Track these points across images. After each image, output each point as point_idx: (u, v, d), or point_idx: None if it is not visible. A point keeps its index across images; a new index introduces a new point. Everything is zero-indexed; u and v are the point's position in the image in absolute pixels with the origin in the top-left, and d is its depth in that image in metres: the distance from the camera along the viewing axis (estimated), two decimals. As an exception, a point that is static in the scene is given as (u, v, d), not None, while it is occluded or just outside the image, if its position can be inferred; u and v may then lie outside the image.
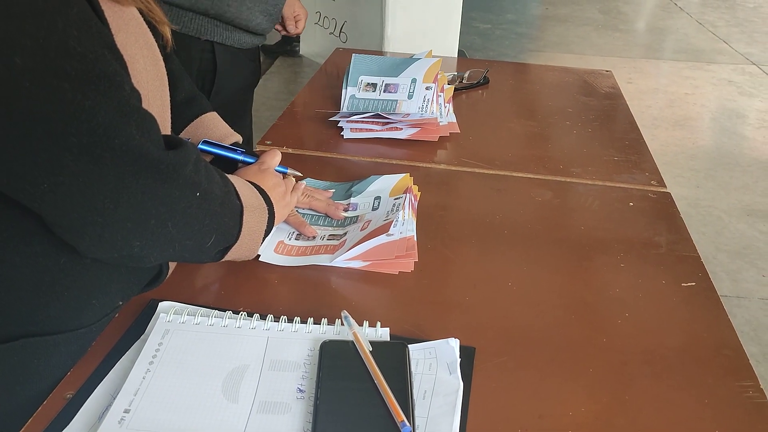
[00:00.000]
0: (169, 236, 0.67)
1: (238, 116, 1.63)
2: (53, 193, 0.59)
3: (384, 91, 1.37)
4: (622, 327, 0.83)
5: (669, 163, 3.50)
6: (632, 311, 0.86)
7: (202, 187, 0.69)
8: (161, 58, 0.74)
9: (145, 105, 0.68)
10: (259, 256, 0.90)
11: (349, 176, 1.15)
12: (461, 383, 0.70)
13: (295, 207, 1.00)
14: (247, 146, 1.02)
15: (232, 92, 1.57)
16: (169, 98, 0.77)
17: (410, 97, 1.35)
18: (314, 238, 0.97)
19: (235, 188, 0.78)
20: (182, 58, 1.41)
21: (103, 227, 0.62)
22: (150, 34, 0.73)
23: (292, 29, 1.77)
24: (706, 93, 4.49)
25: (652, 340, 0.81)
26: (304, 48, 2.41)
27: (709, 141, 3.82)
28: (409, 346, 0.73)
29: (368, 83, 1.38)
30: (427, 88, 1.35)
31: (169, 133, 0.78)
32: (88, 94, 0.57)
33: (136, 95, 0.64)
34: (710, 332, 0.83)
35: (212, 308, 0.80)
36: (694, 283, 0.92)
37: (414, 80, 1.36)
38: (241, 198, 0.78)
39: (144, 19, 0.74)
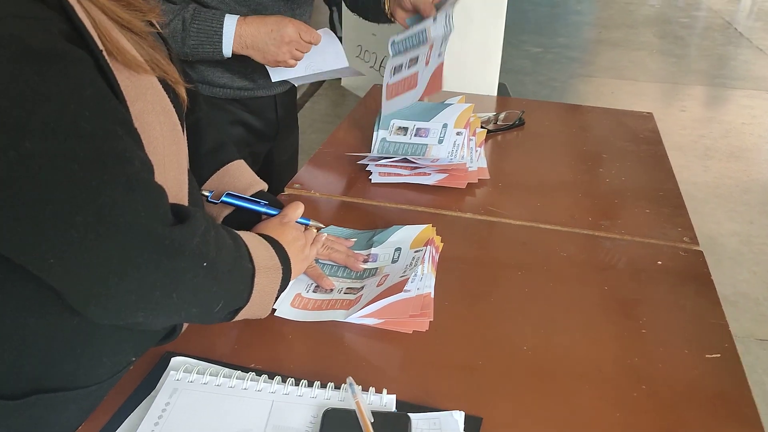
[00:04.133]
0: (174, 306, 0.68)
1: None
2: (59, 266, 0.61)
3: (415, 135, 1.37)
4: (638, 401, 0.80)
5: (721, 196, 3.39)
6: (649, 383, 0.83)
7: (209, 257, 0.70)
8: (178, 123, 0.76)
9: (160, 172, 0.70)
10: (275, 310, 0.91)
11: (374, 222, 1.16)
12: (463, 458, 0.69)
13: (315, 258, 1.00)
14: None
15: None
16: (186, 161, 0.79)
17: (440, 141, 1.35)
18: (332, 290, 0.98)
19: (248, 250, 0.79)
20: None
21: (108, 299, 0.64)
22: (167, 100, 0.75)
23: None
24: (765, 123, 4.34)
25: (669, 417, 0.78)
26: (346, 81, 2.44)
27: (766, 174, 3.69)
28: (413, 416, 0.73)
29: (399, 127, 1.39)
30: (458, 134, 1.35)
31: (186, 194, 0.79)
32: (96, 173, 0.59)
33: (148, 168, 0.66)
34: (732, 409, 0.80)
35: (224, 365, 0.81)
36: (719, 355, 0.88)
37: (445, 125, 1.36)
38: (254, 260, 0.79)
39: (163, 84, 0.76)
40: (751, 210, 3.29)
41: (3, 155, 0.56)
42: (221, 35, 1.22)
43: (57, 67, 0.58)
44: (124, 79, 0.67)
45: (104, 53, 0.64)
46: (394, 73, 1.29)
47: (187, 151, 0.79)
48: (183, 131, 0.78)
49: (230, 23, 1.22)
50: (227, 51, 1.24)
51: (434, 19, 1.26)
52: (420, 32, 1.27)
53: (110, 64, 0.65)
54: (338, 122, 1.57)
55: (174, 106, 0.76)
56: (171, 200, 0.70)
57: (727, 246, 3.00)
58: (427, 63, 1.26)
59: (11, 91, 0.56)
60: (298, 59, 1.29)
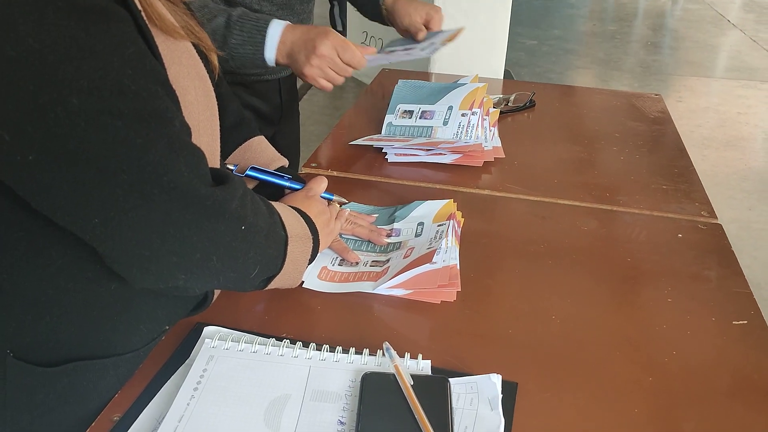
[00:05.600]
0: (214, 269, 0.68)
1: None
2: (104, 227, 0.61)
3: (420, 118, 1.38)
4: (669, 366, 0.81)
5: (720, 184, 3.41)
6: (679, 350, 0.84)
7: (247, 221, 0.70)
8: (212, 89, 0.76)
9: (195, 136, 0.70)
10: (303, 282, 0.91)
11: (392, 200, 1.16)
12: (503, 420, 0.69)
13: (339, 233, 1.00)
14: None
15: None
16: (218, 127, 0.79)
17: (445, 123, 1.35)
18: (357, 264, 0.98)
19: (280, 218, 0.79)
20: None
21: (150, 261, 0.63)
22: (201, 65, 0.75)
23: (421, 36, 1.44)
24: (759, 112, 4.37)
25: (700, 381, 0.79)
26: (350, 67, 2.43)
27: (762, 162, 3.72)
28: (451, 380, 0.73)
29: (405, 110, 1.40)
30: (462, 115, 1.35)
31: (218, 162, 0.79)
32: (140, 132, 0.59)
33: (186, 130, 0.66)
34: (762, 374, 0.80)
35: (256, 334, 0.81)
36: (745, 321, 0.89)
37: (450, 107, 1.37)
38: (287, 228, 0.79)
39: (196, 50, 0.75)
40: (749, 197, 3.31)
41: (51, 112, 0.56)
42: (264, 35, 1.16)
43: (100, 24, 0.58)
44: (161, 42, 0.67)
45: (143, 14, 0.64)
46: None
47: (218, 118, 0.79)
48: (215, 98, 0.78)
49: (276, 26, 1.17)
50: (270, 55, 1.17)
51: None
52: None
53: (148, 26, 0.65)
54: (337, 114, 1.58)
55: (207, 72, 0.75)
56: None
57: (727, 233, 3.02)
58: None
59: (58, 46, 0.55)
60: (330, 80, 1.19)
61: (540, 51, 5.49)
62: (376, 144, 1.33)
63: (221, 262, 0.68)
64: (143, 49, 0.62)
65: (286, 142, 1.63)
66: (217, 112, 0.78)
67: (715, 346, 0.85)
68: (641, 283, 0.97)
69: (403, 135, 1.37)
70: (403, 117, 1.40)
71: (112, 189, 0.59)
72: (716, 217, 1.15)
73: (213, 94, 0.76)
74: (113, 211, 0.60)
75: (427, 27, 1.43)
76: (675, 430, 0.72)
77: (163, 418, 0.68)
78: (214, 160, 0.77)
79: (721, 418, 0.74)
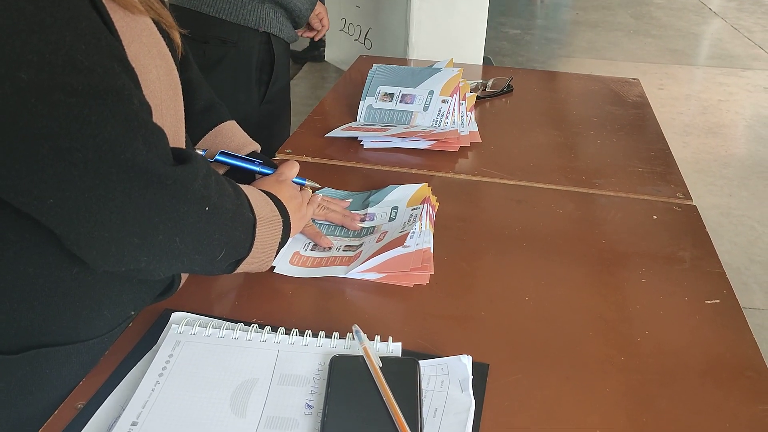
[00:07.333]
0: (177, 251, 0.66)
1: (286, 107, 1.86)
2: (60, 207, 0.59)
3: (400, 101, 1.36)
4: (642, 345, 0.81)
5: (701, 171, 3.43)
6: (652, 329, 0.83)
7: (211, 202, 0.68)
8: (174, 68, 0.74)
9: (157, 115, 0.68)
10: (274, 267, 0.90)
11: (368, 185, 1.15)
12: (473, 401, 0.69)
13: (312, 218, 0.99)
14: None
15: (285, 83, 1.77)
16: (182, 107, 0.77)
17: (425, 109, 1.34)
18: (330, 248, 0.97)
19: (248, 200, 0.78)
20: (245, 48, 1.60)
21: (110, 242, 0.62)
22: (163, 43, 0.73)
23: (318, 26, 1.87)
24: (740, 100, 4.39)
25: (673, 360, 0.79)
26: (329, 54, 2.41)
27: (743, 149, 3.74)
28: (421, 362, 0.72)
29: (386, 93, 1.38)
30: (443, 101, 1.33)
31: (183, 141, 0.78)
32: (95, 108, 0.57)
33: (146, 108, 0.64)
34: (734, 353, 0.80)
35: (224, 319, 0.80)
36: (718, 301, 0.89)
37: (431, 92, 1.35)
38: (255, 210, 0.78)
39: (158, 28, 0.74)
40: (730, 183, 3.33)
41: None
42: None
43: None
44: (118, 18, 0.65)
45: None
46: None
47: (182, 98, 0.77)
48: (178, 77, 0.76)
49: None
50: None
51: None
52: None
53: (103, 2, 0.63)
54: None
55: (169, 51, 0.74)
56: None
57: (707, 219, 3.02)
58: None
59: (3, 19, 0.53)
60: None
61: (523, 40, 5.48)
62: (352, 134, 1.31)
63: (185, 244, 0.67)
64: (98, 24, 0.61)
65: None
66: (181, 92, 0.76)
67: (688, 325, 0.84)
68: (616, 264, 0.97)
69: (382, 120, 1.36)
70: (383, 100, 1.38)
71: (66, 168, 0.58)
72: (691, 199, 1.15)
73: (176, 72, 0.75)
74: (69, 191, 0.58)
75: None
76: (647, 409, 0.72)
77: (127, 404, 0.67)
78: (178, 140, 0.75)
79: (693, 396, 0.74)
